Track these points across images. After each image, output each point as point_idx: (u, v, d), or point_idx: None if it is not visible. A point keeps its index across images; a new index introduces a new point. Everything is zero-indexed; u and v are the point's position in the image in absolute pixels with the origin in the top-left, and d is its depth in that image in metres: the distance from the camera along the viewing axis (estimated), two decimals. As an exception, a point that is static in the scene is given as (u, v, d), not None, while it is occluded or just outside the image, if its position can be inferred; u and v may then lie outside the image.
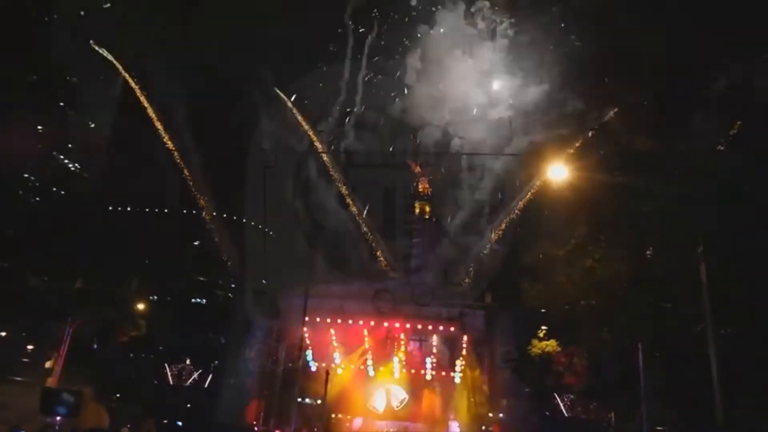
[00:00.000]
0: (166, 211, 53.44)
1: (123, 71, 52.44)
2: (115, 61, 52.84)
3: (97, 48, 54.81)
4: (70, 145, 51.66)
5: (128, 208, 52.87)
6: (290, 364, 38.57)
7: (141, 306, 38.40)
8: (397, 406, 38.24)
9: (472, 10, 46.20)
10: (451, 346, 37.97)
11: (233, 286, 50.64)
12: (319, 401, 38.73)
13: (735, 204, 18.77)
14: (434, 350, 37.09)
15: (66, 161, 51.03)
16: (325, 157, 46.09)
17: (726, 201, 18.78)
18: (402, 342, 37.50)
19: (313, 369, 38.84)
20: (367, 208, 46.53)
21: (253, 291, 45.79)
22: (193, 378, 48.82)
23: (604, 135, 28.89)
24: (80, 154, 51.19)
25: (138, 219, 52.88)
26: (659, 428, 25.88)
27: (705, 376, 19.15)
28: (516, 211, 42.26)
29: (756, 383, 20.48)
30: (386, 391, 38.63)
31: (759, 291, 19.08)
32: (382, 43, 47.95)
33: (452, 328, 36.95)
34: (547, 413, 35.65)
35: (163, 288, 47.32)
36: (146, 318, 38.60)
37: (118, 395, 39.79)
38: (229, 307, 45.53)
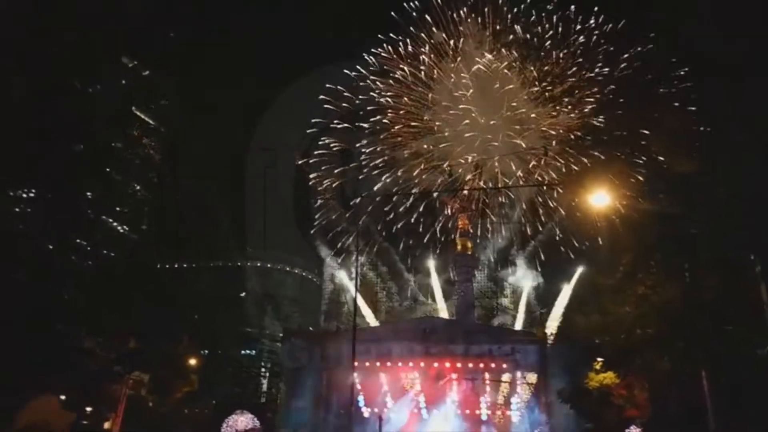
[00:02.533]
0: (211, 265, 54.41)
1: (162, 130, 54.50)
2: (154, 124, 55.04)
3: (139, 113, 57.27)
4: (117, 209, 53.61)
5: (176, 265, 54.16)
6: (342, 411, 38.17)
7: (193, 361, 38.79)
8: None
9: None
10: (506, 384, 37.16)
11: (281, 335, 50.87)
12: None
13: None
14: (488, 388, 36.36)
15: (115, 224, 52.83)
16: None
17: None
18: (454, 382, 36.88)
19: (366, 415, 38.42)
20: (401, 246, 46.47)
21: (301, 339, 45.96)
22: (248, 429, 48.74)
23: (644, 158, 28.47)
24: (127, 216, 53.04)
25: (185, 275, 54.05)
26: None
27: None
28: (556, 242, 41.60)
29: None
30: (444, 432, 37.84)
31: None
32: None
33: (504, 365, 36.25)
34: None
35: (213, 342, 47.85)
36: (198, 373, 38.95)
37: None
38: (277, 357, 45.61)
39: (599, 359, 31.48)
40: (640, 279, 24.09)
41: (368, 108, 45.71)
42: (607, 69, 40.89)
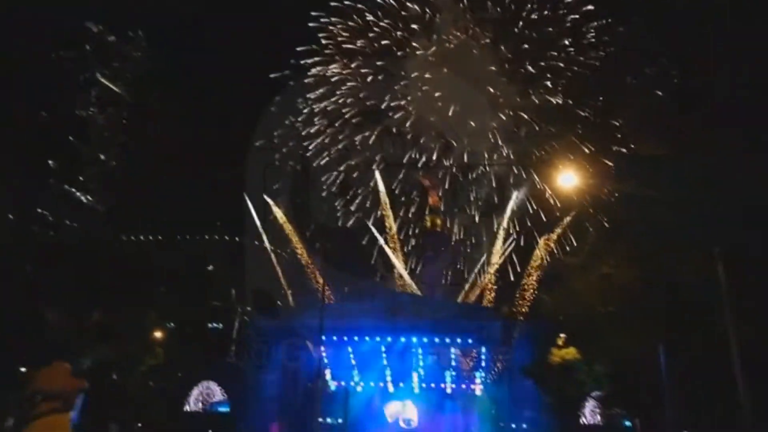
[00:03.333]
0: (178, 237, 53.63)
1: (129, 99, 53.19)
2: (121, 91, 53.65)
3: (103, 80, 55.69)
4: (81, 179, 52.34)
5: (141, 237, 53.33)
6: (309, 384, 38.46)
7: (159, 334, 38.56)
8: (417, 422, 37.98)
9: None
10: (470, 359, 37.78)
11: (249, 309, 50.77)
12: (340, 420, 38.68)
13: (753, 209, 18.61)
14: (453, 363, 36.95)
15: (79, 195, 51.62)
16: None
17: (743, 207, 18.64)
18: (420, 356, 37.33)
19: (332, 389, 38.76)
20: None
21: (269, 313, 45.95)
22: (213, 403, 48.83)
23: (614, 141, 28.83)
24: (92, 186, 51.83)
25: (152, 248, 53.30)
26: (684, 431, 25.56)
27: (728, 377, 18.98)
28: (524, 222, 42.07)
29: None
30: (406, 407, 38.41)
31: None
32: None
33: (470, 341, 36.84)
34: (570, 422, 35.25)
35: (180, 315, 47.50)
36: (164, 346, 38.73)
37: (140, 425, 39.87)
38: (246, 332, 45.56)
39: (562, 335, 32.38)
40: (604, 258, 24.56)
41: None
42: (580, 50, 41.10)
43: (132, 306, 33.59)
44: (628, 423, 33.68)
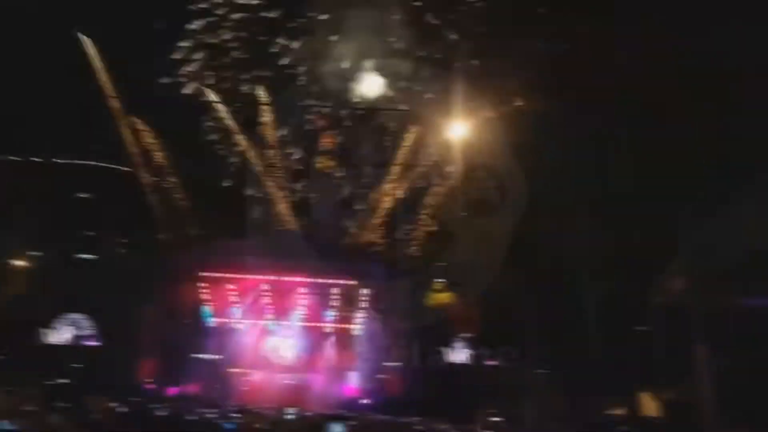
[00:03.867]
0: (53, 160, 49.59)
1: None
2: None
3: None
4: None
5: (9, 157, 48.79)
6: (187, 321, 37.88)
7: (20, 262, 36.11)
8: (294, 359, 38.67)
9: None
10: (350, 300, 38.65)
11: (125, 241, 48.48)
12: (217, 357, 38.55)
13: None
14: (333, 303, 37.71)
15: None
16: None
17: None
18: (302, 296, 37.74)
19: (211, 325, 38.44)
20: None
21: (149, 247, 44.22)
22: (82, 336, 46.76)
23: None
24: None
25: (19, 167, 48.99)
26: (540, 370, 27.73)
27: (581, 324, 20.75)
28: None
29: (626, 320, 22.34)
30: (284, 344, 38.92)
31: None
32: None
33: (351, 282, 37.65)
34: (439, 361, 37.31)
35: (47, 243, 44.54)
36: (27, 275, 36.39)
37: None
38: (122, 265, 43.59)
39: (439, 280, 33.92)
40: (481, 209, 25.54)
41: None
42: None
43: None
44: (492, 362, 36.12)
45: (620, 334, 21.90)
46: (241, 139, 44.65)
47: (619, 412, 22.30)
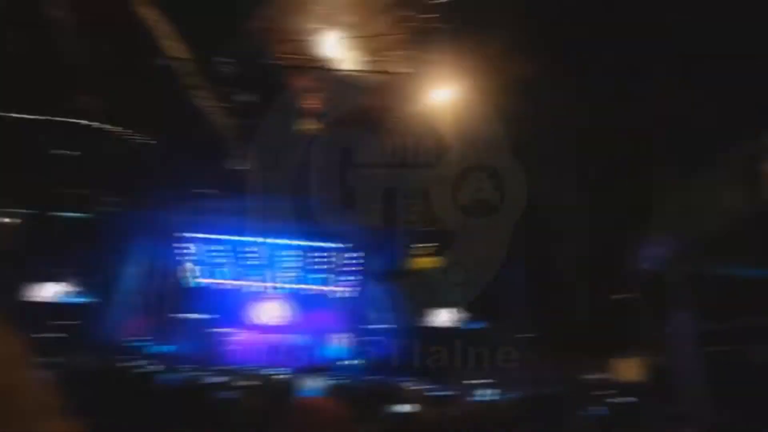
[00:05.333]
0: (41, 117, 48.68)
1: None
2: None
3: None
4: None
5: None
6: (173, 281, 37.93)
7: (5, 219, 35.78)
8: (279, 320, 38.99)
9: None
10: (336, 262, 38.82)
11: (114, 200, 48.07)
12: (203, 316, 38.76)
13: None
14: (318, 267, 37.89)
15: None
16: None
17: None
18: (288, 257, 37.85)
19: (197, 285, 38.56)
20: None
21: (140, 206, 43.87)
22: (68, 294, 46.68)
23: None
24: None
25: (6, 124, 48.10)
26: (527, 335, 28.07)
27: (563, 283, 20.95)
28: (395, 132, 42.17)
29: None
30: (269, 305, 39.18)
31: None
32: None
33: (337, 244, 37.78)
34: (426, 325, 37.73)
35: (34, 200, 44.04)
36: (15, 235, 36.10)
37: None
38: (110, 223, 43.28)
39: (423, 245, 34.08)
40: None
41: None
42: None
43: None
44: (476, 326, 36.53)
45: (603, 299, 22.17)
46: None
47: (599, 376, 22.69)
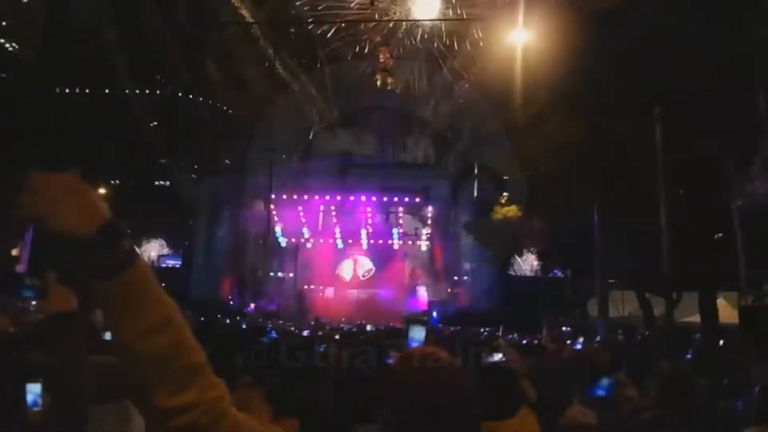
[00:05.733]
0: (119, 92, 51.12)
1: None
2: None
3: None
4: (4, 23, 47.92)
5: (77, 90, 50.50)
6: (260, 241, 39.29)
7: (102, 191, 38.00)
8: (365, 276, 39.76)
9: None
10: (417, 217, 38.99)
11: (196, 167, 50.13)
12: (291, 274, 40.12)
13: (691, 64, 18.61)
14: (400, 221, 38.13)
15: (2, 41, 47.49)
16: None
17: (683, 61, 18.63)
18: (369, 215, 38.29)
19: (283, 245, 39.77)
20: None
21: (217, 170, 45.56)
22: (162, 257, 49.51)
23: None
24: (17, 31, 47.63)
25: (88, 99, 50.70)
26: (611, 281, 27.39)
27: (655, 234, 20.11)
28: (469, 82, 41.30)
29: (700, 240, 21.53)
30: (354, 261, 39.97)
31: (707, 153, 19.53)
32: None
33: (417, 199, 37.82)
34: (506, 272, 37.51)
35: (123, 171, 46.55)
36: (108, 203, 38.27)
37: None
38: (195, 189, 45.27)
39: (505, 194, 33.48)
40: (550, 118, 24.58)
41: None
42: None
43: (69, 159, 32.66)
44: (560, 274, 35.96)
45: (697, 239, 21.14)
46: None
47: (692, 319, 21.87)
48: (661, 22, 18.56)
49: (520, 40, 23.47)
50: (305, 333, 16.21)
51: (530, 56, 22.83)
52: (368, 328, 19.20)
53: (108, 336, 2.57)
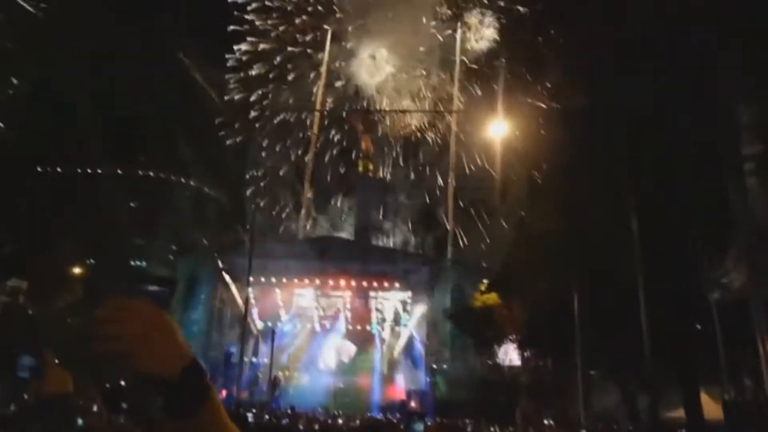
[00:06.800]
0: (99, 171, 51.17)
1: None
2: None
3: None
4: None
5: (59, 169, 50.45)
6: (236, 324, 38.38)
7: (77, 270, 37.23)
8: (346, 361, 38.86)
9: None
10: (397, 302, 38.67)
11: (174, 248, 49.62)
12: (265, 360, 38.99)
13: (663, 157, 19.35)
14: (379, 306, 37.78)
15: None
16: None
17: (655, 155, 19.37)
18: (348, 299, 37.90)
19: (260, 328, 38.95)
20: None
21: (196, 252, 45.09)
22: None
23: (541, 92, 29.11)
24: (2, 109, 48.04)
25: (70, 179, 50.60)
26: (592, 372, 27.14)
27: (634, 324, 20.14)
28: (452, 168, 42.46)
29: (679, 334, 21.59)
30: (336, 347, 39.14)
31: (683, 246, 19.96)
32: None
33: (397, 284, 37.62)
34: (488, 361, 36.86)
35: (100, 251, 45.74)
36: (82, 282, 37.44)
37: (56, 360, 38.70)
38: (171, 269, 44.61)
39: (485, 281, 33.45)
40: (526, 206, 25.13)
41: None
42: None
43: (44, 239, 32.18)
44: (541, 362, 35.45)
45: (676, 332, 21.19)
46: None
47: (676, 414, 21.56)
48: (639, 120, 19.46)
49: (498, 133, 24.38)
50: (284, 422, 15.68)
51: (508, 148, 23.65)
52: (347, 421, 18.60)
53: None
